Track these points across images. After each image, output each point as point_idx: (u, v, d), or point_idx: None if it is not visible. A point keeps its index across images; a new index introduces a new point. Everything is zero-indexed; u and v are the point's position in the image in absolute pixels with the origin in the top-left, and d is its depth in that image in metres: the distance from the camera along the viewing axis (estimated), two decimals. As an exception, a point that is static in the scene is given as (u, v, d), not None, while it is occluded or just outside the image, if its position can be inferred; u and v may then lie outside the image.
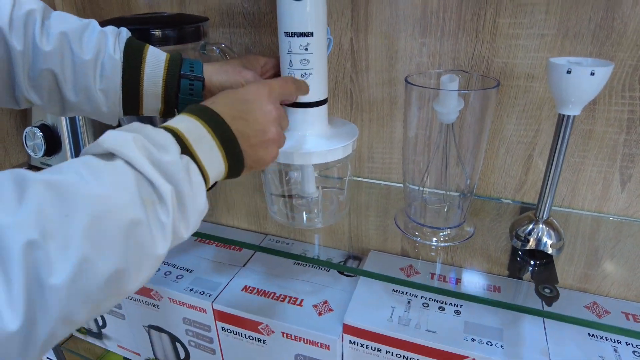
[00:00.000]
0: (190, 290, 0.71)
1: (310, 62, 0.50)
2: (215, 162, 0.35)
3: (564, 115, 0.48)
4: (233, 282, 0.72)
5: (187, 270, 0.76)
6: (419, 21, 0.63)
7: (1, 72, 0.41)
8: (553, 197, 0.54)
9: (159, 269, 0.77)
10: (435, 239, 0.59)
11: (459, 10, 0.61)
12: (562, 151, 0.50)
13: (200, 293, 0.70)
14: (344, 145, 0.53)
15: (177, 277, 0.75)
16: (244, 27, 0.75)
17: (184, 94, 0.47)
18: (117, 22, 0.61)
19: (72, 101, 0.44)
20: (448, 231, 0.60)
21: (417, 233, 0.60)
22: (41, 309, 0.23)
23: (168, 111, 0.48)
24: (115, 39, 0.45)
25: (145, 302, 0.75)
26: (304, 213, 0.63)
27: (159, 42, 0.57)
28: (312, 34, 0.49)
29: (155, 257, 0.29)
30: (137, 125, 0.32)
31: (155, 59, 0.46)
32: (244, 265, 0.75)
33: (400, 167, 0.75)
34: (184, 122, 0.34)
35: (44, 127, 0.68)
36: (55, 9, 0.45)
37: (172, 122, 0.34)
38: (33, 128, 0.69)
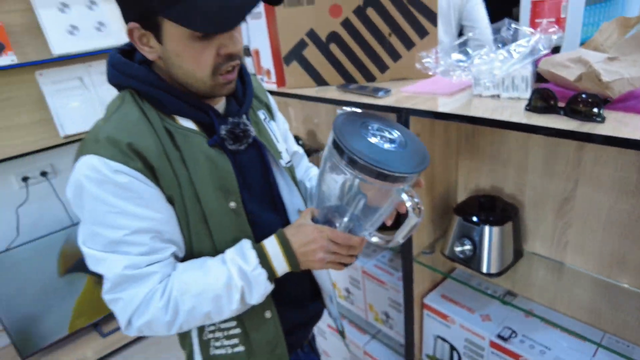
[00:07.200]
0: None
1: None
2: (282, 269, 0.71)
3: None
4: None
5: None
6: None
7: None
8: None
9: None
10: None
11: None
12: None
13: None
14: None
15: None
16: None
17: None
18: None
19: None
20: None
21: None
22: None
23: None
24: None
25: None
26: None
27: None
28: None
29: (230, 310, 0.68)
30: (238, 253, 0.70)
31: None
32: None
33: None
34: (273, 249, 0.70)
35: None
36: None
37: (267, 247, 0.70)
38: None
